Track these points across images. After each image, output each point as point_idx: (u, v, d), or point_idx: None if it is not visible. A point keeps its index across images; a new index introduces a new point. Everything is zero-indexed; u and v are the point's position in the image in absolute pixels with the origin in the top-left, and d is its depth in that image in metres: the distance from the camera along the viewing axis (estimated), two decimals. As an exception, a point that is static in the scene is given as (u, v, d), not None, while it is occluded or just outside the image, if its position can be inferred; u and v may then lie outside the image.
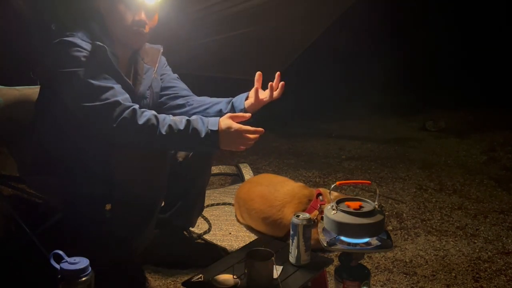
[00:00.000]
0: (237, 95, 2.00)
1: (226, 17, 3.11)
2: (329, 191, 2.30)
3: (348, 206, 1.62)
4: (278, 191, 2.35)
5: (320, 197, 2.28)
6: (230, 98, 1.99)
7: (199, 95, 2.08)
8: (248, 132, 1.67)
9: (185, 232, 2.22)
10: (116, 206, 1.84)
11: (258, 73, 1.91)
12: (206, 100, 2.03)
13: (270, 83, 1.89)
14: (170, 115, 1.69)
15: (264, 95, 1.90)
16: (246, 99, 1.94)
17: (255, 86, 1.91)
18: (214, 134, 1.65)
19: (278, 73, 1.90)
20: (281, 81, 1.90)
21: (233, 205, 2.63)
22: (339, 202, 1.65)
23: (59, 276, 1.38)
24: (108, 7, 1.78)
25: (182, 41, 3.06)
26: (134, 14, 1.78)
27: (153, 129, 1.62)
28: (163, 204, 2.00)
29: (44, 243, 1.93)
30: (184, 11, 2.74)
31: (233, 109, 1.94)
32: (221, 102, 1.98)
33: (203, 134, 1.64)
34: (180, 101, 2.03)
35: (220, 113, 1.93)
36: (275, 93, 1.89)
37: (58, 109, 1.76)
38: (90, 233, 1.85)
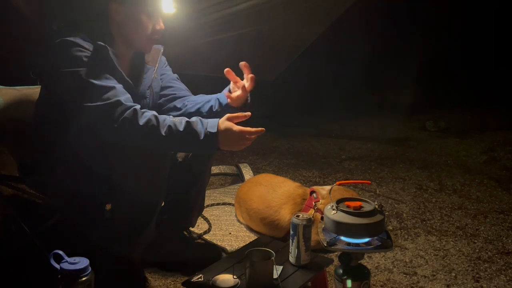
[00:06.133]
0: None
1: (226, 17, 3.11)
2: (321, 188, 2.34)
3: (348, 206, 1.62)
4: (275, 192, 2.36)
5: (314, 194, 2.29)
6: (217, 94, 1.99)
7: (197, 94, 2.08)
8: (249, 134, 1.67)
9: (185, 232, 2.22)
10: (116, 206, 1.84)
11: (226, 70, 1.90)
12: (199, 99, 2.03)
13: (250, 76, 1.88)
14: (171, 116, 1.69)
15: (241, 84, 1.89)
16: (229, 91, 1.94)
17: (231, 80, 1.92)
18: (213, 136, 1.64)
19: (243, 63, 1.88)
20: (252, 74, 1.89)
21: (233, 205, 2.63)
22: (339, 202, 1.65)
23: (59, 276, 1.38)
24: (129, 17, 1.79)
25: (182, 41, 3.06)
26: (155, 23, 1.82)
27: (153, 130, 1.62)
28: (163, 204, 2.00)
29: (44, 243, 1.93)
30: (184, 11, 2.74)
31: (220, 105, 1.94)
32: (212, 99, 1.99)
33: (202, 136, 1.64)
34: (177, 103, 2.04)
35: (211, 111, 1.94)
36: (247, 86, 1.88)
37: (58, 109, 1.76)
38: (90, 233, 1.85)
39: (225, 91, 1.96)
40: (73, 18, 1.79)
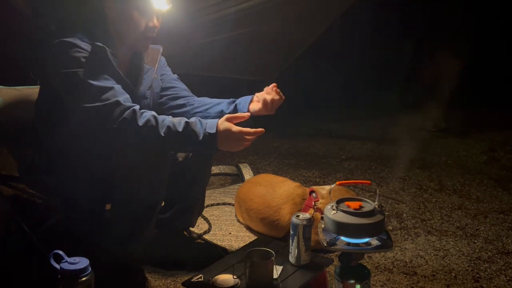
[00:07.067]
0: (237, 95, 2.00)
1: (226, 17, 3.11)
2: (321, 188, 2.34)
3: (348, 206, 1.62)
4: (275, 192, 2.36)
5: (313, 194, 2.29)
6: (232, 99, 1.98)
7: (198, 95, 2.08)
8: (248, 134, 1.67)
9: (185, 232, 2.22)
10: (116, 206, 1.84)
11: (273, 84, 1.93)
12: (206, 100, 2.03)
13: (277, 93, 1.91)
14: (170, 116, 1.69)
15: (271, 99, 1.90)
16: (251, 101, 1.94)
17: (265, 93, 1.92)
18: (212, 137, 1.64)
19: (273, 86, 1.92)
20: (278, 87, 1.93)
21: (233, 205, 2.63)
22: (339, 202, 1.65)
23: (59, 276, 1.38)
24: (121, 13, 1.78)
25: (182, 41, 3.06)
26: (148, 20, 1.81)
27: (152, 130, 1.62)
28: (163, 204, 2.00)
29: (44, 243, 1.93)
30: (184, 11, 2.74)
31: (236, 111, 1.93)
32: (223, 103, 1.98)
33: (201, 137, 1.63)
34: (180, 101, 2.03)
35: (221, 114, 1.93)
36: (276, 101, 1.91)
37: (58, 109, 1.76)
38: (90, 233, 1.85)
39: (248, 99, 1.95)
40: (72, 18, 1.79)
